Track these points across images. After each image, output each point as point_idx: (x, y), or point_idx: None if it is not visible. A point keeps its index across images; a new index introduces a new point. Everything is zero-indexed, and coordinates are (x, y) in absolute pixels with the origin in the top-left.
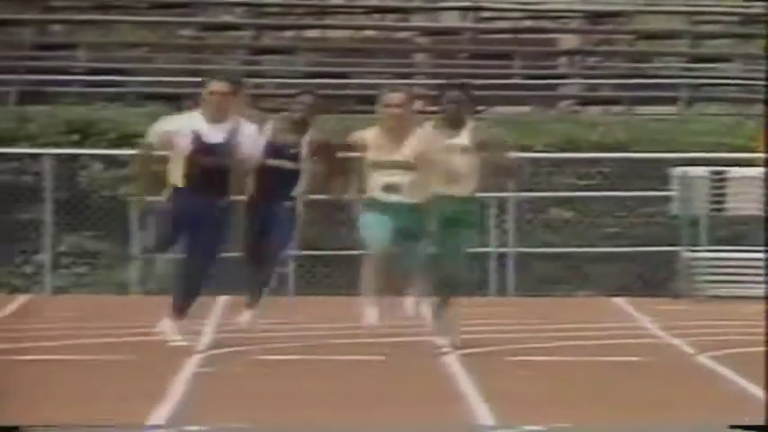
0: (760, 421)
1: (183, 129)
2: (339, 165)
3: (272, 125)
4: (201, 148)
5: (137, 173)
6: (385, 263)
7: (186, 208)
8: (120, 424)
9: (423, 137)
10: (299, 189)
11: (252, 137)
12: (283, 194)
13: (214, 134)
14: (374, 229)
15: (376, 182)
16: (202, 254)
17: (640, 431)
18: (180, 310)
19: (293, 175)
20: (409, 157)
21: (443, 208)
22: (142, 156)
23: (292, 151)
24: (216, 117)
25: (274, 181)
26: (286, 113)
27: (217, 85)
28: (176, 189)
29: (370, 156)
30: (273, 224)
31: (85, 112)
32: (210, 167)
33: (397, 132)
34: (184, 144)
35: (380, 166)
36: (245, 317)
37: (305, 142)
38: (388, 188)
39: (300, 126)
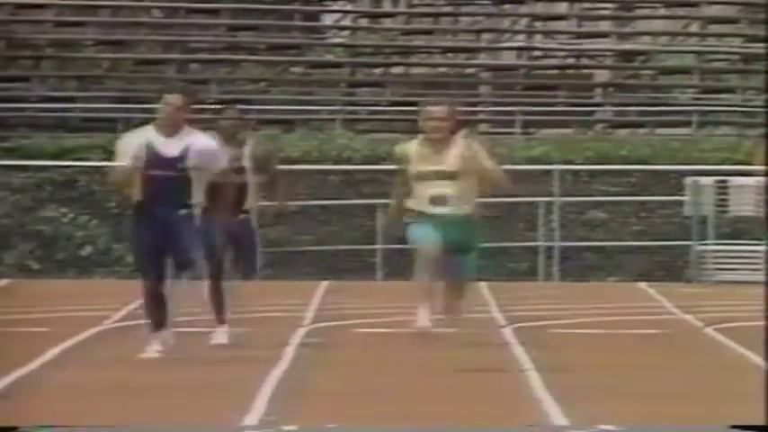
0: (760, 421)
1: (138, 143)
2: (281, 175)
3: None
4: (156, 162)
5: (119, 190)
6: (436, 265)
7: (148, 220)
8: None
9: (466, 147)
10: (251, 202)
11: (210, 148)
12: (237, 207)
13: (168, 147)
14: (424, 235)
15: (422, 194)
16: (178, 266)
17: (643, 431)
18: (157, 325)
19: (243, 189)
20: (454, 168)
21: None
22: (116, 177)
23: (236, 165)
24: (169, 130)
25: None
26: (218, 128)
27: (170, 98)
28: (137, 204)
29: (414, 168)
30: (231, 238)
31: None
32: (165, 180)
33: (440, 144)
34: (139, 158)
35: (425, 177)
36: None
37: (246, 155)
38: (435, 200)
39: (235, 140)
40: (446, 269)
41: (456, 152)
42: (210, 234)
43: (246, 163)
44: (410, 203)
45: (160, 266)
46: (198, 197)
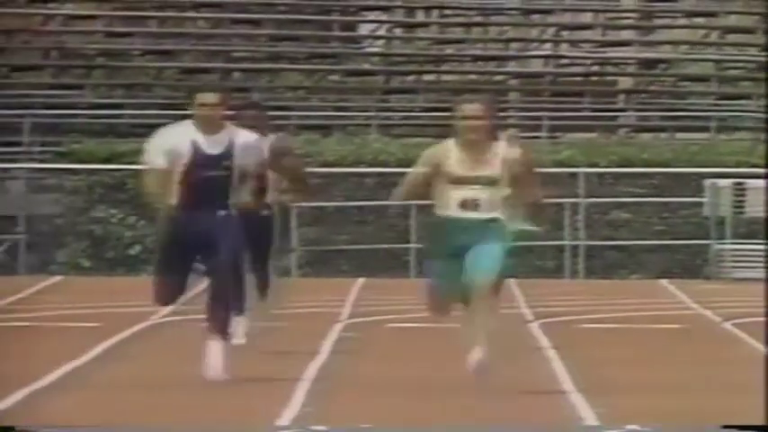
0: (755, 421)
1: (179, 141)
2: (297, 170)
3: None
4: (201, 161)
5: (152, 194)
6: (448, 311)
7: (187, 224)
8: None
9: (508, 150)
10: (270, 198)
11: (252, 142)
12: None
13: (212, 145)
14: (441, 278)
15: (451, 198)
16: (223, 268)
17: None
18: (222, 330)
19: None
20: (497, 173)
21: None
22: (153, 178)
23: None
24: (210, 128)
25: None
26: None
27: (206, 97)
28: (173, 207)
29: (452, 172)
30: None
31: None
32: (209, 179)
33: (479, 146)
34: (182, 156)
35: (461, 182)
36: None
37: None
38: (466, 204)
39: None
40: (472, 265)
41: (500, 156)
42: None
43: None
44: (436, 208)
45: (186, 272)
46: (237, 197)
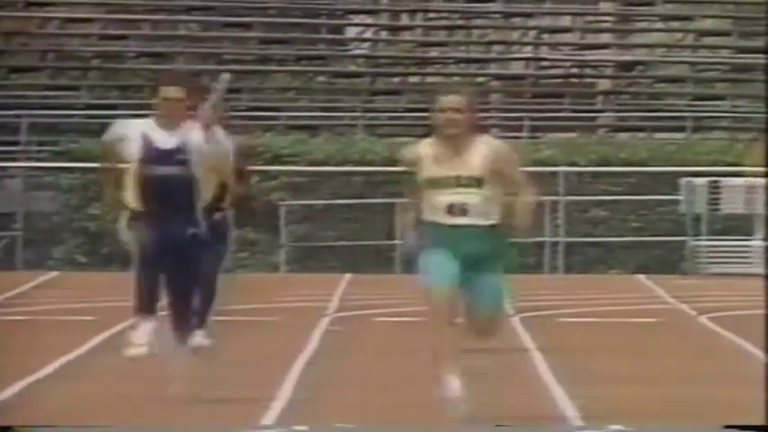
0: (753, 421)
1: (132, 135)
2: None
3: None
4: (151, 156)
5: (110, 195)
6: (452, 311)
7: (149, 227)
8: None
9: (492, 146)
10: (229, 199)
11: (212, 141)
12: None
13: (164, 140)
14: (437, 268)
15: (436, 203)
16: (185, 278)
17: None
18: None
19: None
20: (479, 172)
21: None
22: (108, 177)
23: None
24: (168, 124)
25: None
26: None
27: (169, 91)
28: (135, 207)
29: (428, 172)
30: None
31: (247, 138)
32: (163, 177)
33: (458, 143)
34: (134, 152)
35: (441, 184)
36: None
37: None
38: (453, 209)
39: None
40: (468, 299)
41: (480, 153)
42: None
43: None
44: (423, 212)
45: (157, 276)
46: (205, 197)
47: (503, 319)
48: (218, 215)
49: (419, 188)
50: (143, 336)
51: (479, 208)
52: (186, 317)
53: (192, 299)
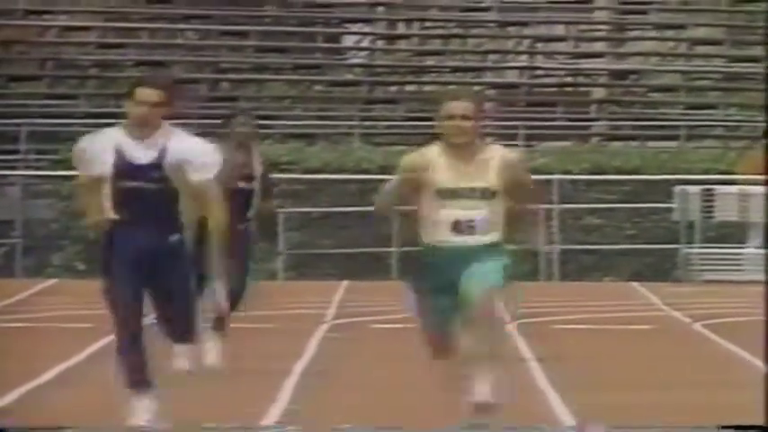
0: (750, 421)
1: (103, 149)
2: (271, 182)
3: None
4: (125, 171)
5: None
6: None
7: (126, 248)
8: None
9: (505, 156)
10: (254, 211)
11: (194, 151)
12: (244, 216)
13: (138, 153)
14: (433, 316)
15: (440, 217)
16: (170, 299)
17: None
18: (137, 384)
19: (249, 197)
20: (492, 183)
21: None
22: (82, 195)
23: (245, 172)
24: (141, 132)
25: (233, 204)
26: (230, 134)
27: (144, 94)
28: (109, 229)
29: (440, 182)
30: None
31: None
32: (138, 193)
33: (467, 152)
34: (106, 167)
35: (451, 196)
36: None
37: (257, 162)
38: (459, 227)
39: (245, 147)
40: (466, 280)
41: (494, 164)
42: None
43: (255, 171)
44: (422, 232)
45: (139, 311)
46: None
47: (495, 297)
48: (174, 237)
49: (423, 198)
50: (144, 412)
51: (486, 223)
52: (178, 325)
53: (183, 308)
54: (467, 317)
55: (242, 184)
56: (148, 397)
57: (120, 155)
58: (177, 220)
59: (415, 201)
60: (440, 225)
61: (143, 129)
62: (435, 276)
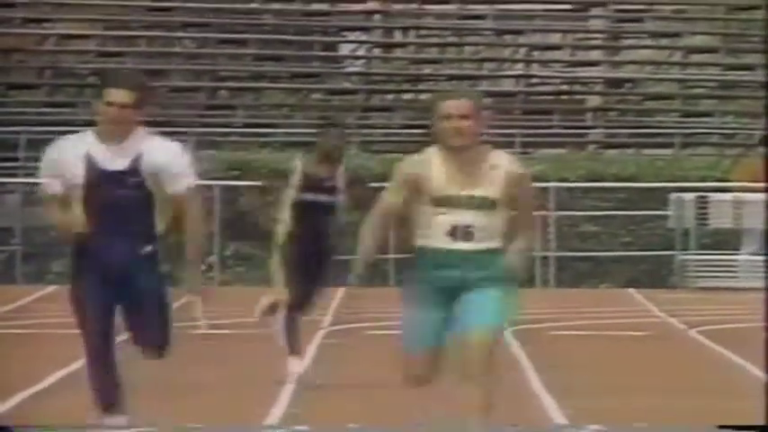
0: (748, 421)
1: (73, 156)
2: (371, 197)
3: (304, 157)
4: (98, 179)
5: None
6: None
7: (98, 261)
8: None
9: (507, 162)
10: (338, 223)
11: (171, 156)
12: (325, 229)
13: (112, 159)
14: (417, 332)
15: (436, 224)
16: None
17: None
18: (107, 406)
19: (330, 209)
20: (493, 192)
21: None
22: (51, 206)
23: (330, 184)
24: (113, 136)
25: (315, 216)
26: (318, 146)
27: (115, 95)
28: (79, 238)
29: (437, 190)
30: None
31: (243, 154)
32: (113, 202)
33: (466, 156)
34: (77, 175)
35: (449, 204)
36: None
37: (339, 174)
38: (457, 233)
39: (333, 159)
40: (457, 326)
41: (495, 170)
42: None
43: (339, 183)
44: (417, 236)
45: (110, 326)
46: (162, 224)
47: (494, 346)
48: (146, 248)
49: (419, 206)
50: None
51: (485, 232)
52: (149, 338)
53: (155, 321)
54: (466, 372)
55: (323, 198)
56: (119, 416)
57: (91, 162)
58: (151, 231)
59: (412, 208)
60: (436, 231)
61: (114, 133)
62: (428, 284)
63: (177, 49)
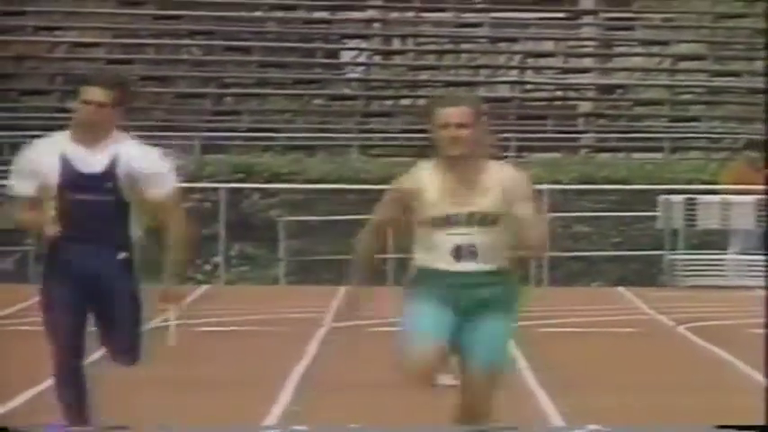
0: (747, 421)
1: (47, 158)
2: None
3: None
4: (72, 182)
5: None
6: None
7: (65, 271)
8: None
9: (508, 176)
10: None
11: (148, 160)
12: None
13: (87, 162)
14: (423, 331)
15: (439, 243)
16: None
17: (630, 430)
18: (71, 415)
19: None
20: (494, 207)
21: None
22: (23, 211)
23: None
24: (89, 137)
25: None
26: None
27: (91, 93)
28: (51, 243)
29: (432, 209)
30: None
31: (247, 158)
32: (87, 206)
33: (468, 166)
34: (51, 178)
35: (449, 222)
36: None
37: None
38: (461, 252)
39: None
40: (462, 354)
41: (496, 184)
42: None
43: None
44: (418, 258)
45: (81, 337)
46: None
47: (498, 384)
48: (121, 254)
49: (416, 225)
50: None
51: (490, 250)
52: (121, 347)
53: (127, 329)
54: (465, 415)
55: None
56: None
57: (66, 163)
58: (127, 236)
59: (408, 224)
60: (438, 251)
61: (90, 133)
62: (432, 294)
63: (184, 57)
